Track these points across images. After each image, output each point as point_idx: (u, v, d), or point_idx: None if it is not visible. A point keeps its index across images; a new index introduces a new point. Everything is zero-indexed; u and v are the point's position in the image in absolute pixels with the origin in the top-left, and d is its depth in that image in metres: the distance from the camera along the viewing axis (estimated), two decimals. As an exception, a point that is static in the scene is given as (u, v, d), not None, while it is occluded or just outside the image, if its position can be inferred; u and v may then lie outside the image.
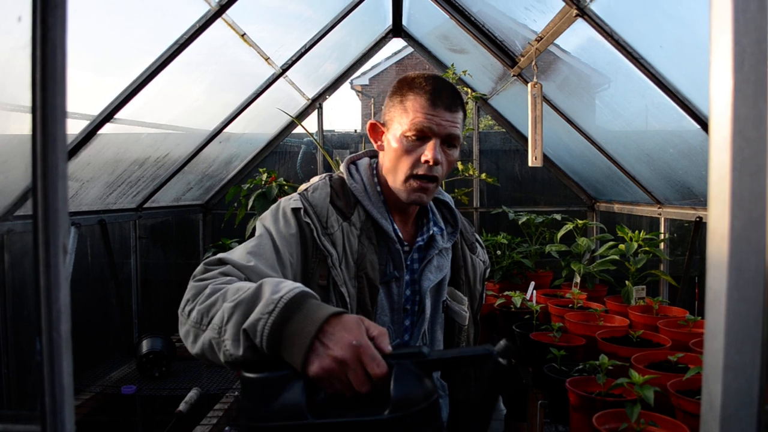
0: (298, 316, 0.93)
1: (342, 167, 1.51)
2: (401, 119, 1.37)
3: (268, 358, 0.93)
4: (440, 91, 1.36)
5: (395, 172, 1.40)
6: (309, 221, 1.35)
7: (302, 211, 1.36)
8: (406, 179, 1.38)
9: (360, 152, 1.57)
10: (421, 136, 1.35)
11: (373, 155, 1.55)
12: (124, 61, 2.67)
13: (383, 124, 1.45)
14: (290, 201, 1.40)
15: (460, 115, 1.39)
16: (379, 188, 1.47)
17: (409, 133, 1.35)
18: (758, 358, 0.49)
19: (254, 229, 1.36)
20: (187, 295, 1.15)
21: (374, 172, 1.49)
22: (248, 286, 1.05)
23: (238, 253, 1.27)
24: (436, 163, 1.35)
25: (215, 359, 1.04)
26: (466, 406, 1.29)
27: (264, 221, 1.37)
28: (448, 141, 1.37)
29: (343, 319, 0.92)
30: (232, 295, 1.04)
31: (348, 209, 1.41)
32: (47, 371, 0.47)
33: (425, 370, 0.87)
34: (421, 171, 1.36)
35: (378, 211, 1.43)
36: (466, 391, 1.36)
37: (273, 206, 1.42)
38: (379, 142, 1.47)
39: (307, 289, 1.01)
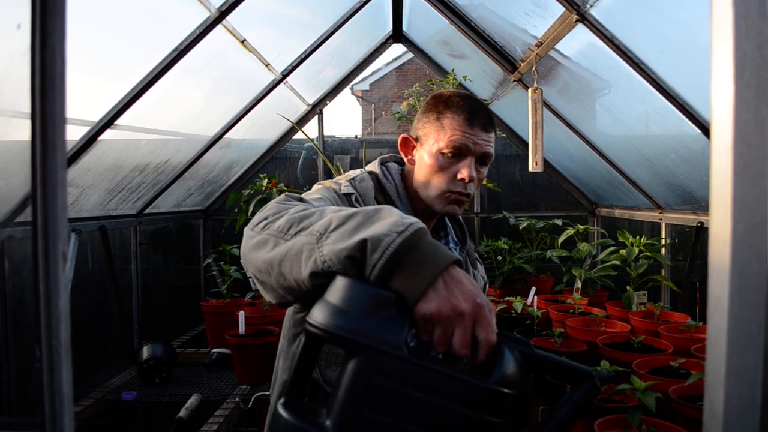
0: (426, 248, 0.84)
1: (375, 166, 1.53)
2: (437, 136, 1.39)
3: (360, 279, 0.84)
4: (477, 111, 1.39)
5: (428, 186, 1.42)
6: (358, 207, 1.36)
7: (354, 197, 1.38)
8: (441, 193, 1.40)
9: (387, 155, 1.59)
10: (458, 154, 1.38)
11: (398, 161, 1.57)
12: (125, 67, 2.67)
13: (416, 139, 1.46)
14: (339, 186, 1.40)
15: (493, 135, 1.42)
16: (407, 193, 1.49)
17: (445, 150, 1.37)
18: (761, 364, 0.49)
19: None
20: (264, 213, 1.05)
21: (402, 178, 1.52)
22: (355, 207, 0.96)
23: (312, 202, 1.20)
24: (471, 181, 1.37)
25: (292, 270, 0.92)
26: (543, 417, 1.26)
27: (319, 192, 1.34)
28: (481, 159, 1.40)
29: (466, 273, 0.85)
30: (338, 210, 0.94)
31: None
32: (47, 379, 0.47)
33: (526, 363, 0.83)
34: (455, 188, 1.39)
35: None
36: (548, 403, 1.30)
37: (318, 186, 1.40)
38: (409, 156, 1.49)
39: None
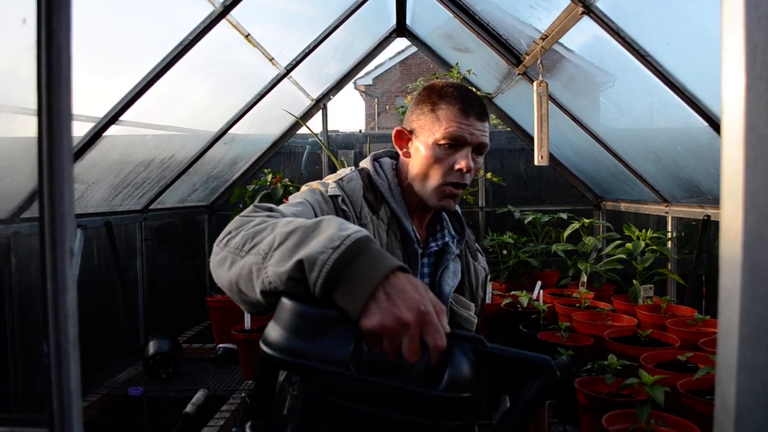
0: (364, 259, 0.83)
1: (367, 163, 1.53)
2: (433, 128, 1.39)
3: (308, 296, 0.84)
4: (472, 101, 1.39)
5: (425, 179, 1.41)
6: (345, 209, 1.37)
7: (340, 198, 1.38)
8: (439, 186, 1.39)
9: (381, 151, 1.59)
10: (455, 145, 1.37)
11: (392, 156, 1.57)
12: (129, 62, 2.67)
13: (410, 132, 1.46)
14: (326, 187, 1.40)
15: (488, 124, 1.42)
16: (400, 189, 1.48)
17: (442, 142, 1.37)
18: (773, 358, 0.48)
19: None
20: (229, 227, 1.06)
21: (395, 173, 1.51)
22: (303, 219, 0.97)
23: (283, 210, 1.22)
24: (468, 171, 1.37)
25: (247, 289, 0.93)
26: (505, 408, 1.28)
27: (303, 195, 1.36)
28: (478, 149, 1.40)
29: (411, 278, 0.84)
30: (285, 225, 0.94)
31: (377, 204, 1.43)
32: (55, 375, 0.47)
33: (481, 360, 0.82)
34: (453, 179, 1.38)
35: (401, 210, 1.45)
36: (508, 394, 1.31)
37: (305, 188, 1.41)
38: (404, 149, 1.48)
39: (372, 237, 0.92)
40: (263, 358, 0.81)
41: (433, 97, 1.41)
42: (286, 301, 0.83)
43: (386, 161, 1.54)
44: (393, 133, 1.49)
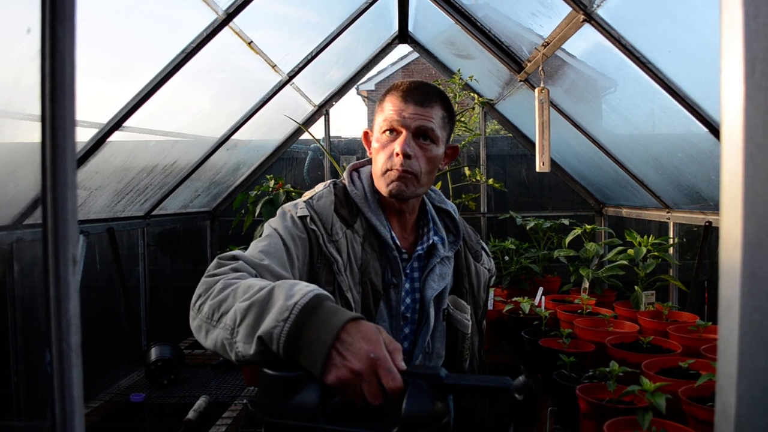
0: (313, 322, 0.93)
1: (344, 174, 1.53)
2: (378, 120, 1.44)
3: (282, 360, 0.94)
4: (414, 89, 1.40)
5: (375, 171, 1.44)
6: (315, 228, 1.38)
7: (308, 218, 1.39)
8: (382, 173, 1.41)
9: (363, 159, 1.60)
10: (392, 130, 1.40)
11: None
12: (133, 69, 2.68)
13: (371, 131, 1.50)
14: (296, 209, 1.42)
15: (437, 111, 1.41)
16: (377, 195, 1.49)
17: (382, 130, 1.41)
18: (773, 367, 0.48)
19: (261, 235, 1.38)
20: (198, 290, 1.16)
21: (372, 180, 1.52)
22: (259, 286, 1.05)
23: (250, 252, 1.30)
24: (406, 155, 1.37)
25: (226, 355, 1.05)
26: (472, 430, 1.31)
27: (272, 224, 1.40)
28: (422, 134, 1.40)
29: (362, 327, 0.92)
30: (243, 294, 1.05)
31: (351, 217, 1.44)
32: (57, 383, 0.47)
33: (439, 393, 0.88)
34: (393, 165, 1.38)
35: (377, 218, 1.45)
36: (474, 417, 1.34)
37: (279, 212, 1.44)
38: (370, 149, 1.51)
39: (322, 291, 1.01)
40: (258, 418, 0.94)
41: (385, 94, 1.45)
42: (263, 371, 0.95)
43: (365, 169, 1.55)
44: (362, 135, 1.54)
